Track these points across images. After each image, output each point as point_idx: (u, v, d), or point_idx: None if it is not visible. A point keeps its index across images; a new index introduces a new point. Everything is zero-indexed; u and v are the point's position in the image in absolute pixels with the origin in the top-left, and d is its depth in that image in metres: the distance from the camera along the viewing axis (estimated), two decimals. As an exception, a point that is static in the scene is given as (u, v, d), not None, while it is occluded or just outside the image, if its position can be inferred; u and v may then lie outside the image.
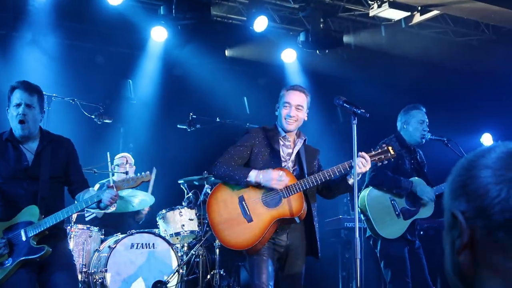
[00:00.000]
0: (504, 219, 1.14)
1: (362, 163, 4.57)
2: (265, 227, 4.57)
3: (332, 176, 4.64)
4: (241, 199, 4.68)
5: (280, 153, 4.76)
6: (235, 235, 4.63)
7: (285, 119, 4.76)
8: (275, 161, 4.71)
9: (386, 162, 4.84)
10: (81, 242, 6.43)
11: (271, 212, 4.61)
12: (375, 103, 7.72)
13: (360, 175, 4.65)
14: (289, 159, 4.81)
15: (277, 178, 4.53)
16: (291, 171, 4.74)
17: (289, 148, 4.84)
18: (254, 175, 4.58)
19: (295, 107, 4.75)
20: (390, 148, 4.82)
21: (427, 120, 5.98)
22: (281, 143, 4.82)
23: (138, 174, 4.64)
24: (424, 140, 5.95)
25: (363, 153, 4.63)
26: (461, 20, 9.67)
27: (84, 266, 6.35)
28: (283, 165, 4.72)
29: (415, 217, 5.79)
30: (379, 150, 4.80)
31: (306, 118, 4.86)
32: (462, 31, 10.04)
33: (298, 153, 4.85)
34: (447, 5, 8.67)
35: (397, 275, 5.69)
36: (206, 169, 7.31)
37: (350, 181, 4.67)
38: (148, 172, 4.71)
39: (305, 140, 4.91)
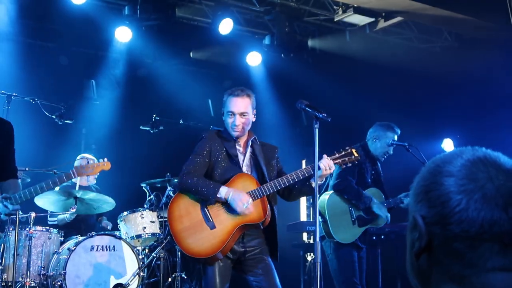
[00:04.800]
0: (461, 229, 1.14)
1: (326, 166, 4.53)
2: (228, 233, 4.46)
3: (296, 179, 4.59)
4: (203, 206, 4.54)
5: (237, 157, 4.66)
6: (198, 243, 4.48)
7: (231, 128, 4.64)
8: (234, 168, 4.61)
9: (350, 165, 4.83)
10: (40, 244, 6.33)
11: (234, 218, 4.49)
12: (339, 108, 7.77)
13: (324, 178, 4.71)
14: (243, 162, 4.70)
15: (245, 204, 4.42)
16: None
17: (241, 153, 4.73)
18: (224, 193, 4.44)
19: (239, 115, 4.62)
20: (354, 150, 4.80)
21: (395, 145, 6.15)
22: (236, 147, 4.70)
23: (97, 161, 4.60)
24: (384, 158, 6.18)
25: (326, 156, 4.61)
26: (425, 27, 9.81)
27: (42, 268, 6.25)
28: (242, 167, 4.65)
29: (369, 226, 6.04)
30: (343, 153, 4.77)
31: (254, 119, 4.74)
32: (425, 37, 10.19)
33: (254, 154, 4.75)
34: (411, 12, 8.78)
35: (347, 278, 5.95)
36: (169, 171, 7.28)
37: (313, 184, 4.58)
38: (106, 159, 4.69)
39: (255, 138, 4.78)
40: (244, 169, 4.68)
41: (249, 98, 4.69)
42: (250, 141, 4.75)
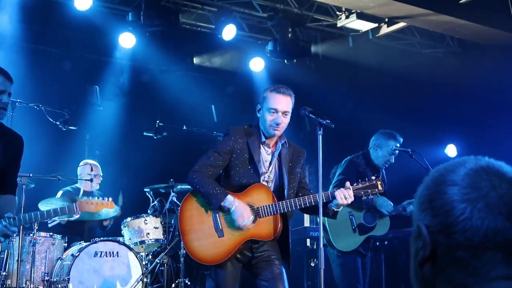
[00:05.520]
0: (465, 238, 1.15)
1: (345, 195, 4.34)
2: (235, 245, 4.35)
3: (313, 203, 4.38)
4: (216, 211, 4.40)
5: (260, 163, 4.46)
6: (203, 248, 4.39)
7: (271, 126, 4.44)
8: (252, 174, 4.43)
9: (371, 196, 4.66)
10: (43, 249, 6.33)
11: (244, 230, 4.36)
12: (342, 114, 7.77)
13: (341, 207, 4.50)
14: (269, 166, 4.51)
15: (245, 220, 4.29)
16: (271, 180, 4.51)
17: (268, 154, 4.54)
18: (228, 203, 4.30)
19: (282, 113, 4.45)
20: (379, 183, 4.58)
21: (398, 152, 6.10)
22: (262, 150, 4.51)
23: (102, 199, 4.59)
24: (385, 167, 6.13)
25: (349, 184, 4.44)
26: (427, 33, 9.81)
27: (46, 274, 6.25)
28: (260, 174, 4.43)
29: (370, 234, 5.98)
30: (367, 184, 4.54)
31: (288, 121, 4.56)
32: (428, 43, 10.18)
33: (279, 159, 4.55)
34: (413, 18, 8.79)
35: (351, 284, 5.93)
36: (172, 177, 7.28)
37: (330, 212, 4.49)
38: (110, 198, 4.69)
39: (285, 142, 4.59)
40: (266, 176, 4.49)
41: (291, 98, 4.54)
42: (280, 144, 4.58)
